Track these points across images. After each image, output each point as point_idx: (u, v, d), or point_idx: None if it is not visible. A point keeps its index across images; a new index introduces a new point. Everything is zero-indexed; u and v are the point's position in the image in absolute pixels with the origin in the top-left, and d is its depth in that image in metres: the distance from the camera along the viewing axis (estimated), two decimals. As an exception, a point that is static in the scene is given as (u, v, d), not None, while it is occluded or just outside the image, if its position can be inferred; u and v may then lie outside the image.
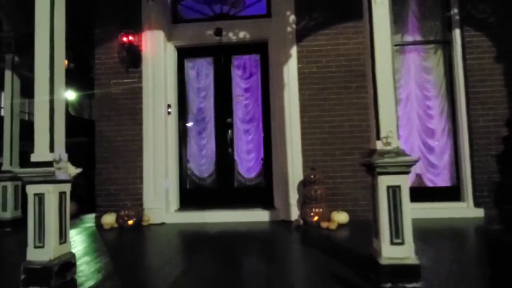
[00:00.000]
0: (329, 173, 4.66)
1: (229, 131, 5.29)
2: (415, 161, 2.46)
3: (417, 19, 5.07)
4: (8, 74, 5.54)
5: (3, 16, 5.59)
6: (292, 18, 4.88)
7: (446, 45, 5.00)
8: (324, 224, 4.21)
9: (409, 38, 5.08)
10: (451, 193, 4.83)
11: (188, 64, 5.43)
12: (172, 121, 5.17)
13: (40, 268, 2.56)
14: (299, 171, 4.72)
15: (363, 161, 2.68)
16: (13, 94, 5.56)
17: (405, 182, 2.44)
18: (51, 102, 2.75)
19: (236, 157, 5.28)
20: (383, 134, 2.50)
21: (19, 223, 5.41)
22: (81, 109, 23.99)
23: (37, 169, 2.60)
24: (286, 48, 4.86)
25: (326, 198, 4.44)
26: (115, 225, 4.68)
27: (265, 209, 4.90)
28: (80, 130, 10.69)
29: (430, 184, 4.95)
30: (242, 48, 5.32)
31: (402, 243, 2.40)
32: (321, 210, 4.33)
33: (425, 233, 3.70)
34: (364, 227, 4.20)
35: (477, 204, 4.60)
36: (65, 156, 2.88)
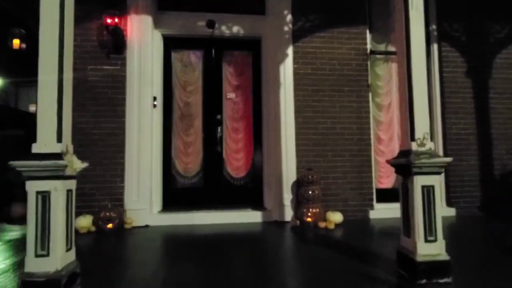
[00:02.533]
0: (321, 174, 4.71)
1: (218, 128, 5.06)
2: (448, 162, 2.58)
3: (400, 31, 5.41)
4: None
5: None
6: (289, 17, 4.85)
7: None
8: (321, 224, 4.24)
9: (392, 48, 5.39)
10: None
11: (175, 55, 5.07)
12: (157, 115, 4.77)
13: (43, 281, 2.13)
14: (293, 172, 4.70)
15: (394, 162, 2.73)
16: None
17: (437, 182, 2.54)
18: (60, 81, 2.35)
19: (224, 156, 5.07)
20: (418, 135, 2.57)
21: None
22: (7, 97, 21.13)
23: (45, 162, 2.16)
24: (282, 48, 4.81)
25: (321, 199, 4.48)
26: (92, 229, 4.14)
27: (255, 209, 4.78)
28: (13, 121, 9.34)
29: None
30: (234, 43, 5.14)
31: (435, 240, 2.49)
32: (317, 210, 4.35)
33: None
34: (359, 227, 4.36)
35: (449, 204, 5.04)
36: (71, 147, 2.47)
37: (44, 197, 2.20)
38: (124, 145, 4.48)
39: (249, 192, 5.05)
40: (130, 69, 4.54)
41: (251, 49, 5.15)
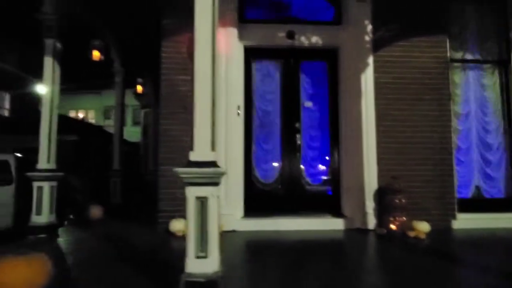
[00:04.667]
0: (402, 183, 4.70)
1: (296, 136, 5.16)
2: None
3: (477, 39, 5.36)
4: (48, 61, 4.97)
5: (45, -4, 5.01)
6: (369, 27, 4.92)
7: (502, 65, 5.33)
8: (411, 233, 4.23)
9: (469, 56, 5.34)
10: (507, 204, 5.11)
11: (254, 65, 5.24)
12: (239, 123, 4.94)
13: (203, 282, 2.28)
14: (375, 180, 4.72)
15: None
16: (54, 85, 5.00)
17: None
18: (213, 94, 2.51)
19: (302, 163, 5.16)
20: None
21: (55, 229, 4.84)
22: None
23: (206, 169, 2.32)
24: (362, 57, 4.88)
25: (407, 207, 4.48)
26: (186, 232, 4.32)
27: (335, 216, 4.83)
28: (67, 127, 9.85)
29: (487, 196, 5.19)
30: (311, 53, 5.26)
31: None
32: (404, 219, 4.34)
33: None
34: (450, 237, 4.34)
35: None
36: (216, 155, 2.62)
37: (202, 202, 2.36)
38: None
39: (327, 199, 5.11)
40: (218, 80, 4.72)
41: (328, 58, 5.25)
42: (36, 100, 19.28)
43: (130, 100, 22.81)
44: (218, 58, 2.69)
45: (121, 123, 7.81)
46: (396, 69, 4.93)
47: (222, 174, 2.36)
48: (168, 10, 4.77)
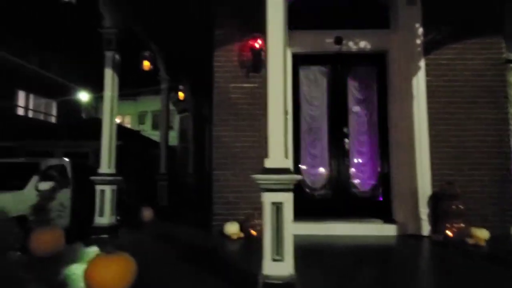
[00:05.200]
0: (458, 188, 4.59)
1: (344, 141, 5.18)
2: None
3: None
4: (108, 73, 5.30)
5: (105, 12, 5.36)
6: (420, 30, 4.87)
7: None
8: (470, 241, 4.13)
9: (526, 56, 5.14)
10: None
11: (301, 71, 5.33)
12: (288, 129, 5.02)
13: (281, 284, 2.38)
14: (428, 185, 4.65)
15: None
16: (113, 93, 5.33)
17: None
18: (285, 102, 2.62)
19: (350, 168, 5.17)
20: None
21: (116, 230, 5.14)
22: (94, 110, 23.48)
23: (282, 176, 2.44)
24: (414, 61, 4.83)
25: (464, 214, 4.37)
26: (241, 235, 4.47)
27: (386, 222, 4.79)
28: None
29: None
30: (359, 58, 5.27)
31: None
32: (462, 225, 4.24)
33: None
34: (508, 244, 4.18)
35: None
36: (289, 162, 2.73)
37: (278, 208, 2.46)
38: (263, 157, 4.77)
39: (376, 204, 5.08)
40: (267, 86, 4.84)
41: (376, 63, 5.23)
42: (78, 107, 20.49)
43: (148, 106, 23.62)
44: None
45: (167, 128, 8.14)
46: (448, 72, 4.84)
47: (296, 180, 2.46)
48: (220, 21, 4.96)
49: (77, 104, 19.80)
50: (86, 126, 13.57)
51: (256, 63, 4.88)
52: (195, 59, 8.07)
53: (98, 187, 5.12)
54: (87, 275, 2.35)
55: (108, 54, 5.30)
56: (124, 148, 12.70)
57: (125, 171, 5.57)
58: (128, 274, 2.37)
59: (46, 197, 4.60)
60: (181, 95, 9.47)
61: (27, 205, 4.40)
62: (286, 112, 5.05)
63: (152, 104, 22.34)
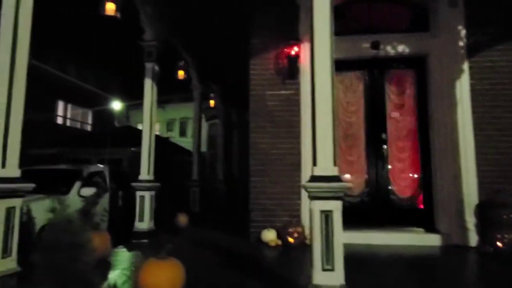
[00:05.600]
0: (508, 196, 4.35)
1: (382, 147, 5.06)
2: None
3: None
4: (148, 83, 5.50)
5: (146, 26, 5.58)
6: (463, 32, 4.71)
7: None
8: (524, 253, 3.89)
9: None
10: None
11: (337, 77, 5.26)
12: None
13: (332, 294, 2.33)
14: (474, 194, 4.44)
15: None
16: (152, 103, 5.51)
17: None
18: (333, 109, 2.59)
19: (389, 175, 5.03)
20: None
21: (155, 235, 5.27)
22: (126, 119, 24.38)
23: (332, 184, 2.41)
24: (456, 64, 4.67)
25: (516, 224, 4.13)
26: (279, 242, 4.45)
27: (428, 232, 4.62)
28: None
29: None
30: (396, 62, 5.16)
31: None
32: (514, 236, 4.01)
33: None
34: None
35: None
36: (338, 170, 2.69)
37: (327, 216, 2.44)
38: (300, 164, 4.76)
39: (417, 213, 4.91)
40: (303, 93, 4.84)
41: (415, 67, 5.11)
42: (111, 116, 21.34)
43: (177, 113, 24.07)
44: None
45: (199, 135, 8.29)
46: (494, 75, 4.63)
47: (347, 188, 2.42)
48: (258, 30, 5.03)
49: (110, 113, 20.63)
50: (119, 134, 14.10)
51: (292, 70, 4.89)
52: (227, 68, 8.22)
53: (138, 193, 5.30)
54: (141, 280, 2.42)
55: (148, 66, 5.51)
56: (157, 155, 13.09)
57: (160, 178, 5.73)
58: (179, 279, 2.42)
59: (90, 202, 4.81)
60: (212, 102, 9.64)
61: (72, 209, 4.60)
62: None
63: (180, 111, 22.87)
